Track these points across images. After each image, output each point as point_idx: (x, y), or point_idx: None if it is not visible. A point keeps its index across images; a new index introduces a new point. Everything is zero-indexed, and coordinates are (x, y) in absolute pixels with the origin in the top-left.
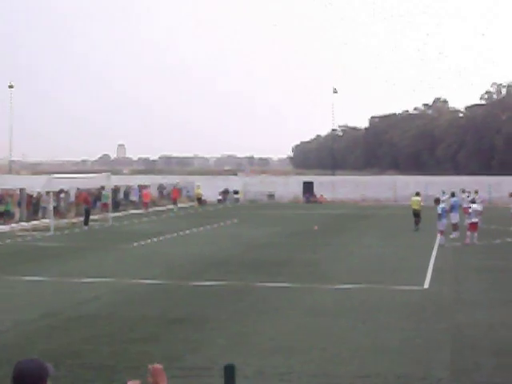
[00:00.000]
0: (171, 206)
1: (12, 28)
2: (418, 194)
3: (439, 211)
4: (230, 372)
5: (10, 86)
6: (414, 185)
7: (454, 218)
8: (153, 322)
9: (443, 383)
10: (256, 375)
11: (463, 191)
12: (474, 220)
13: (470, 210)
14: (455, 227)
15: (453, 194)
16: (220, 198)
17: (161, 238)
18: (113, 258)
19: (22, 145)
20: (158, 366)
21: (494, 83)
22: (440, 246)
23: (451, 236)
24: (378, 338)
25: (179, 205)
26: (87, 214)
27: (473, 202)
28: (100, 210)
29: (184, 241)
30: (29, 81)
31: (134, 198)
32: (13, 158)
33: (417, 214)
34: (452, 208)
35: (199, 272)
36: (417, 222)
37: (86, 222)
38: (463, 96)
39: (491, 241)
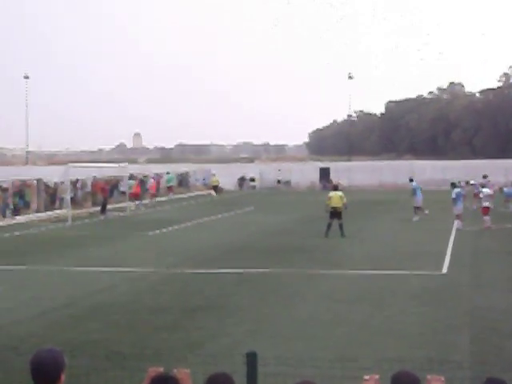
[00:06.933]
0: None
1: (28, 16)
2: (336, 188)
3: (453, 196)
4: (252, 359)
5: (26, 77)
6: (431, 169)
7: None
8: (172, 310)
9: (464, 366)
10: (277, 362)
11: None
12: (486, 204)
13: (480, 195)
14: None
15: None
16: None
17: (178, 227)
18: (130, 247)
19: (38, 135)
20: (185, 370)
21: (511, 66)
22: (457, 230)
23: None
24: (397, 322)
25: (196, 193)
26: (104, 203)
27: (483, 186)
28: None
29: (201, 229)
30: (44, 71)
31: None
32: (29, 149)
33: (336, 214)
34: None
35: (216, 260)
36: (330, 226)
37: (102, 211)
38: (479, 80)
39: (508, 224)
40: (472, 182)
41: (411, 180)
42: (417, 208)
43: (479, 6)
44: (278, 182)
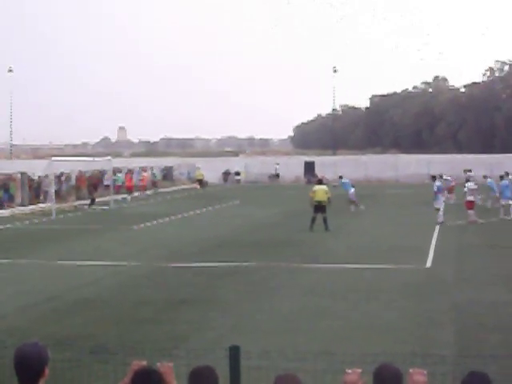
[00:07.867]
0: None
1: (15, 13)
2: (321, 182)
3: (435, 189)
4: (235, 353)
5: (10, 71)
6: (415, 163)
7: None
8: (156, 303)
9: (447, 360)
10: (260, 355)
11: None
12: (470, 198)
13: (465, 189)
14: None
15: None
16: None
17: (162, 221)
18: (115, 241)
19: (23, 129)
20: (169, 364)
21: (497, 61)
22: (441, 224)
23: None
24: (380, 316)
25: (180, 187)
26: (93, 197)
27: (467, 180)
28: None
29: (186, 222)
30: (28, 65)
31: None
32: (13, 143)
33: (321, 208)
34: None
35: (201, 253)
36: (314, 220)
37: (91, 205)
38: (463, 74)
39: (492, 218)
40: (445, 176)
41: (341, 177)
42: (352, 201)
43: (479, 5)
44: (277, 175)
